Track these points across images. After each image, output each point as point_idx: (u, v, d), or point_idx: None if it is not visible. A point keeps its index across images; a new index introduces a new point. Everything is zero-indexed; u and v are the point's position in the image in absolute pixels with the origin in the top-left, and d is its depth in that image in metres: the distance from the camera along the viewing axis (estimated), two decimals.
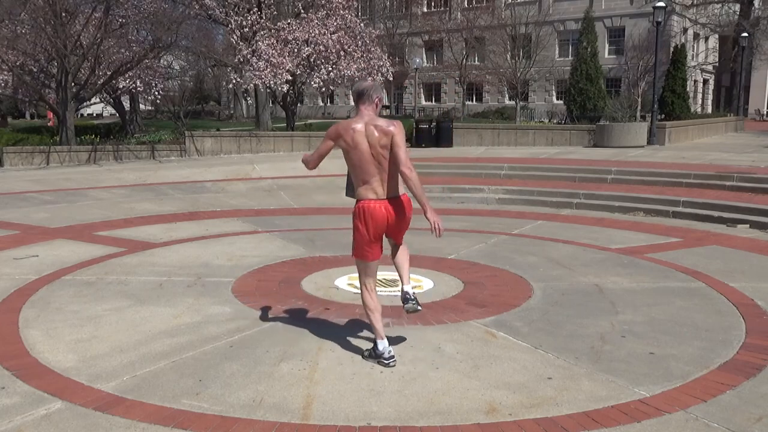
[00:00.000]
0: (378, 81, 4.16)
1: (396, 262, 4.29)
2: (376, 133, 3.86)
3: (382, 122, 3.94)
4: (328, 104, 52.78)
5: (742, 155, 15.59)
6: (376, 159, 3.90)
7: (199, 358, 4.29)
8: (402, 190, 4.02)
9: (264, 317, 5.16)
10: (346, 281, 6.31)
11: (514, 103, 37.36)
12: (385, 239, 4.20)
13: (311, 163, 4.20)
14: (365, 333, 4.73)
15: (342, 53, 20.80)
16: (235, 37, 21.35)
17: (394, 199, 4.01)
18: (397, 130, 3.87)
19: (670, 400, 3.68)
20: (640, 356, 4.37)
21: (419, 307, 4.19)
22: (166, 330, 4.85)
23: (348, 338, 4.68)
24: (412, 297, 4.19)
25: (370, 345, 4.33)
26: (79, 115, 37.21)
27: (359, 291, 5.94)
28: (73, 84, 18.41)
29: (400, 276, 4.29)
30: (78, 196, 11.90)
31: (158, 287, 6.05)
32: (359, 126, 3.92)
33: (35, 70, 20.17)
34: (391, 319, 5.01)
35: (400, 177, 3.94)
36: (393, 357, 4.14)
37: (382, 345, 4.16)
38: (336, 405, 3.63)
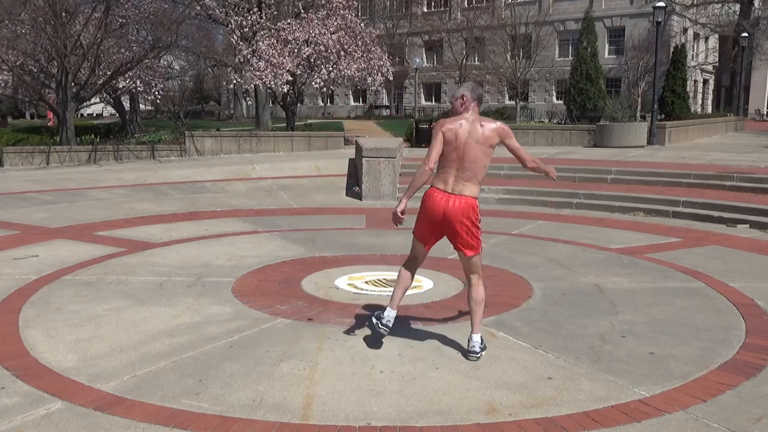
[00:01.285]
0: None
1: (469, 301, 4.39)
2: (480, 130, 4.17)
3: (485, 120, 4.28)
4: (328, 104, 52.79)
5: (742, 155, 15.58)
6: (462, 152, 4.14)
7: (199, 358, 4.30)
8: (474, 192, 4.19)
9: (264, 317, 5.16)
10: (346, 281, 6.31)
11: (514, 103, 37.37)
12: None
13: (431, 161, 4.25)
14: (365, 333, 4.73)
15: (342, 53, 20.81)
16: (235, 37, 21.35)
17: (458, 196, 4.17)
18: (505, 129, 4.27)
19: (670, 400, 3.69)
20: (640, 356, 4.37)
21: (477, 358, 4.27)
22: (166, 330, 4.85)
23: (348, 338, 4.68)
24: (477, 350, 4.27)
25: (375, 346, 4.41)
26: (79, 115, 37.26)
27: (359, 291, 5.98)
28: (73, 84, 18.40)
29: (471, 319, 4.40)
30: (78, 196, 11.90)
31: (158, 287, 6.05)
32: (469, 118, 4.23)
33: (35, 70, 20.16)
34: None
35: (475, 181, 4.19)
36: (385, 326, 4.29)
37: (387, 311, 4.34)
38: (336, 405, 3.63)
